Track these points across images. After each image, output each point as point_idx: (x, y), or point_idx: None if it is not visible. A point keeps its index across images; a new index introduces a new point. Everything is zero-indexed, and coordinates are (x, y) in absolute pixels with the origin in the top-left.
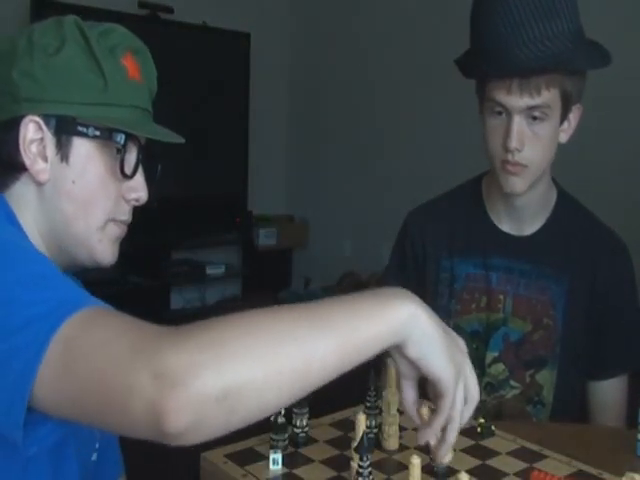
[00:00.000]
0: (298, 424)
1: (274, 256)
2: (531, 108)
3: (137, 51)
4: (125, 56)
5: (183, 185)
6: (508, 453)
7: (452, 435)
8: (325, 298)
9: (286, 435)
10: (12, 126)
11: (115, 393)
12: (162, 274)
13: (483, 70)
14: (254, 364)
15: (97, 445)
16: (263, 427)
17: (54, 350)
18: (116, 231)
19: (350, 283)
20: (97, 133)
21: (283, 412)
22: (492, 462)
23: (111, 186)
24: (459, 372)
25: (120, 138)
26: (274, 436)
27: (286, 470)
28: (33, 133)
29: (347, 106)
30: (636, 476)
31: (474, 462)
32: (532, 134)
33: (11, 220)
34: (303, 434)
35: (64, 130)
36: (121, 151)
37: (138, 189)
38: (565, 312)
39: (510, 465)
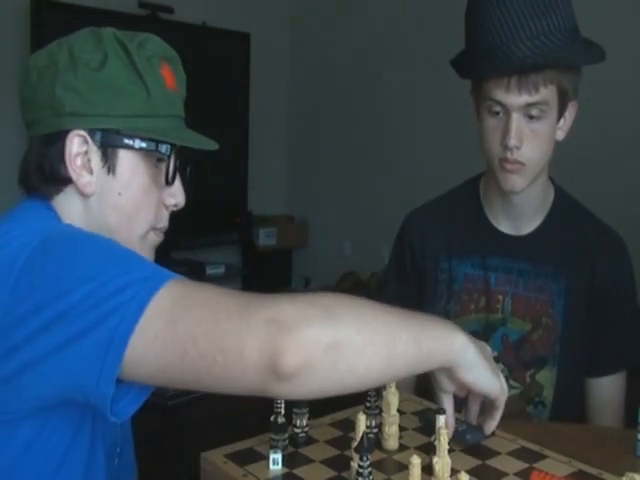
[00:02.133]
0: (298, 424)
1: (274, 256)
2: (529, 105)
3: (171, 60)
4: (162, 66)
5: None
6: (508, 453)
7: (499, 415)
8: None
9: (286, 435)
10: (55, 140)
11: (228, 336)
12: None
13: (481, 69)
14: (355, 328)
15: (118, 449)
16: (263, 427)
17: (159, 305)
18: (155, 239)
19: (350, 283)
20: (143, 145)
21: (283, 412)
22: (492, 462)
23: (153, 195)
24: (498, 376)
25: (166, 149)
26: (274, 436)
27: (286, 470)
28: (78, 147)
29: (347, 106)
30: (636, 476)
31: (474, 462)
32: (530, 132)
33: None
34: (303, 434)
35: (110, 143)
36: (164, 160)
37: (177, 194)
38: (564, 311)
39: (510, 465)
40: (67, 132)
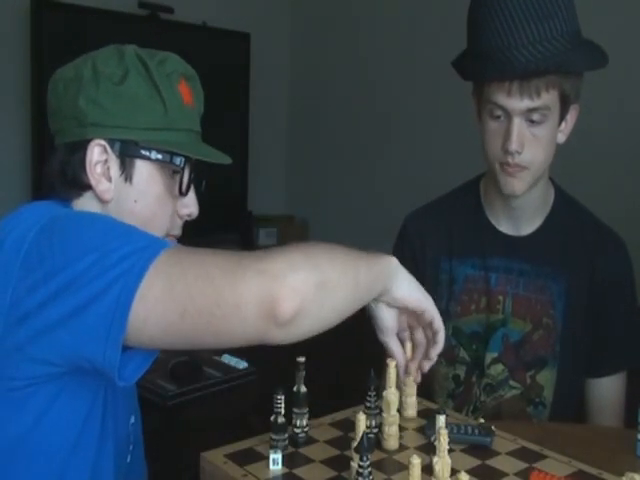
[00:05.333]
0: (298, 424)
1: None
2: (531, 110)
3: (189, 77)
4: (180, 83)
5: None
6: (508, 453)
7: (437, 350)
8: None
9: (286, 435)
10: (77, 148)
11: (223, 290)
12: None
13: (483, 72)
14: (331, 267)
15: (131, 447)
16: (263, 427)
17: (156, 271)
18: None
19: None
20: (159, 156)
21: (283, 412)
22: (492, 462)
23: (168, 204)
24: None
25: (180, 161)
26: (274, 436)
27: (286, 470)
28: (98, 155)
29: (347, 106)
30: (636, 476)
31: (474, 462)
32: (532, 136)
33: None
34: (303, 434)
35: (128, 153)
36: (178, 172)
37: (190, 205)
38: (564, 311)
39: (510, 465)
40: (89, 141)
